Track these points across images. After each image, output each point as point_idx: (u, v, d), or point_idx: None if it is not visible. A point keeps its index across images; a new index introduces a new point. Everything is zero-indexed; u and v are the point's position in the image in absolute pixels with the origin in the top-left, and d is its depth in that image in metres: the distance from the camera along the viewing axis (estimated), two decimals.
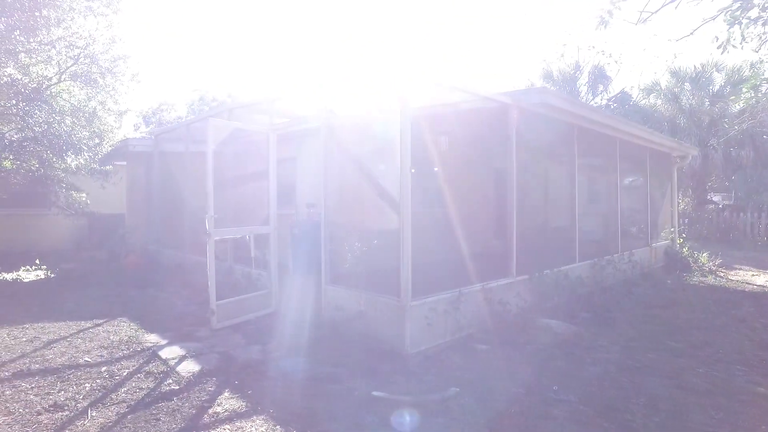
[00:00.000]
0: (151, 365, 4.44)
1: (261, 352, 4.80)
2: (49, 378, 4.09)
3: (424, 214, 7.49)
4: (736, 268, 10.73)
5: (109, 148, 9.40)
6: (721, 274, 9.90)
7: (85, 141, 8.97)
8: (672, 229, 11.46)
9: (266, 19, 53.70)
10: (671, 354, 4.97)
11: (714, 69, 18.53)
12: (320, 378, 4.18)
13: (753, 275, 9.92)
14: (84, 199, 11.13)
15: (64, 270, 9.53)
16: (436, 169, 6.93)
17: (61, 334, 5.33)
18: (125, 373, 4.24)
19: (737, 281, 9.19)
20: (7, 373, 4.16)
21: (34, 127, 8.66)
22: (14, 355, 4.60)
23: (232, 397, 3.77)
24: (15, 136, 8.69)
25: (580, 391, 4.02)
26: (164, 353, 4.73)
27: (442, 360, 4.74)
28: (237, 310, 5.92)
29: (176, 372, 4.27)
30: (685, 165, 12.14)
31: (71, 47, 8.39)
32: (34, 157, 9.27)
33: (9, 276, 8.93)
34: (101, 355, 4.68)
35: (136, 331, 5.55)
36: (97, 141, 9.22)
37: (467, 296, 5.30)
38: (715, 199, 21.96)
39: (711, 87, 18.77)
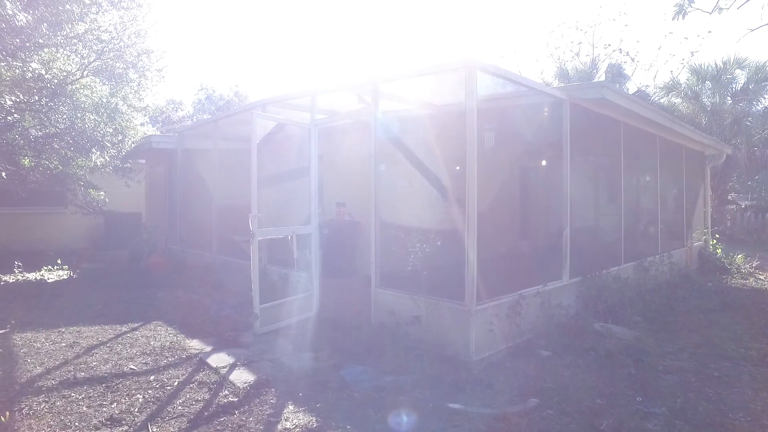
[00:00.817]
0: (201, 374, 4.18)
1: (315, 360, 4.52)
2: (98, 388, 3.83)
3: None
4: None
5: (132, 145, 9.14)
6: (762, 277, 9.60)
7: (108, 137, 8.71)
8: (705, 230, 11.17)
9: (275, 16, 53.50)
10: (747, 363, 4.69)
11: (737, 66, 18.18)
12: (386, 389, 3.91)
13: None
14: (102, 197, 10.88)
15: (86, 270, 9.28)
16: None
17: (100, 339, 5.07)
18: (176, 383, 3.97)
19: None
20: (54, 382, 3.90)
21: (58, 124, 8.40)
22: (57, 362, 4.34)
23: (298, 411, 3.51)
24: (39, 133, 8.44)
25: (667, 403, 3.74)
26: (212, 361, 4.47)
27: (507, 367, 4.46)
28: (279, 313, 5.66)
29: (230, 382, 4.00)
30: (719, 164, 11.82)
31: (97, 41, 8.13)
32: (56, 155, 9.02)
33: (32, 276, 8.69)
34: (146, 363, 4.42)
35: (175, 336, 5.29)
36: (120, 137, 8.96)
37: (525, 300, 5.03)
38: (727, 198, 21.59)
39: (733, 85, 18.43)
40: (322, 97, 6.14)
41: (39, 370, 4.15)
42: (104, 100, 9.04)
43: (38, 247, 11.77)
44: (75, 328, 5.47)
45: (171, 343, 5.00)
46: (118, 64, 8.66)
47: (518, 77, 5.02)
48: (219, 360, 4.49)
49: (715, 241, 11.44)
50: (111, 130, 8.69)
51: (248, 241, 8.65)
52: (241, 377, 4.09)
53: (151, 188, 10.80)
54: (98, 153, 8.50)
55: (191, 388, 3.87)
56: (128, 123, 9.37)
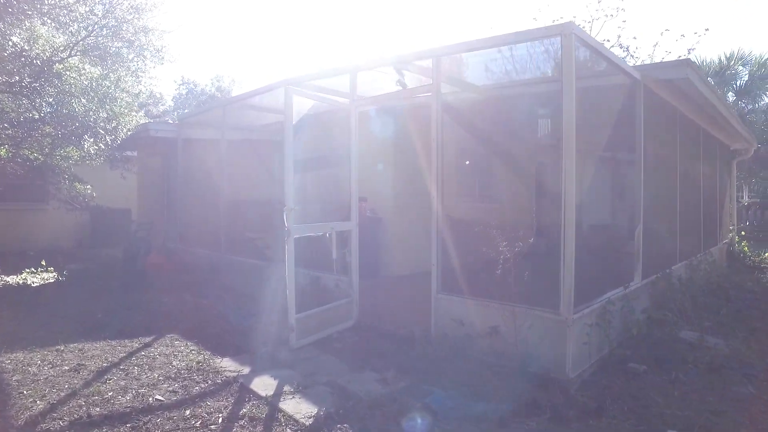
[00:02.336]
0: (248, 406, 3.37)
1: (381, 383, 3.75)
2: (121, 429, 2.99)
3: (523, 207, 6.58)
4: None
5: (128, 133, 8.16)
6: None
7: (101, 123, 7.72)
8: (732, 227, 10.78)
9: (258, 8, 51.96)
10: None
11: (739, 62, 18.03)
12: (485, 419, 3.18)
13: None
14: (89, 191, 9.82)
15: (74, 272, 8.27)
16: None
17: (109, 359, 4.19)
18: (220, 420, 3.16)
19: None
20: (62, 423, 3.04)
21: (43, 108, 7.39)
22: (63, 393, 3.46)
23: None
24: (20, 118, 7.40)
25: None
26: (257, 386, 3.65)
27: (605, 386, 3.78)
28: (317, 323, 4.87)
29: (288, 416, 3.21)
30: (748, 159, 11.44)
31: (90, 13, 7.14)
32: (38, 144, 7.99)
33: (13, 280, 7.66)
34: (174, 391, 3.58)
35: (199, 353, 4.45)
36: (114, 124, 7.97)
37: (611, 305, 4.37)
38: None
39: (736, 81, 18.28)
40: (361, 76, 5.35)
41: (40, 405, 3.26)
42: (94, 84, 8.03)
43: (17, 246, 10.65)
44: (75, 344, 4.57)
45: (198, 363, 4.16)
46: (114, 44, 7.68)
47: (607, 51, 4.33)
48: (264, 385, 3.68)
49: (738, 238, 11.07)
50: (105, 116, 7.70)
51: (263, 238, 7.87)
52: (300, 409, 3.30)
53: (145, 182, 9.80)
54: (92, 140, 7.50)
55: (242, 427, 3.06)
56: (121, 109, 8.37)
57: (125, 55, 8.00)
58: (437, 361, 4.13)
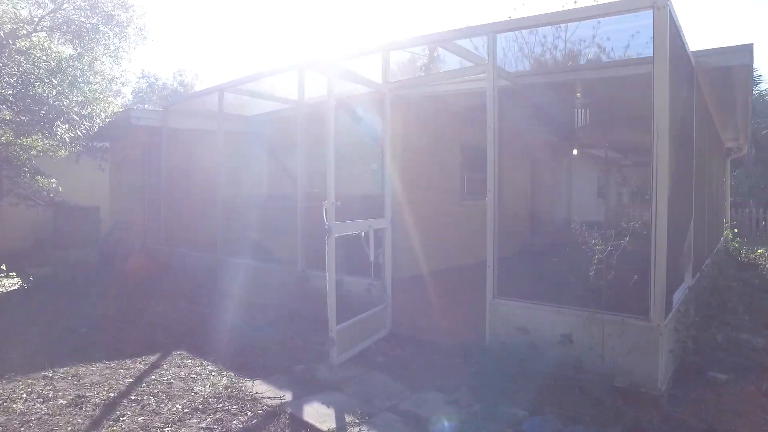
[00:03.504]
0: None
1: (453, 405, 3.21)
2: None
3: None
4: None
5: (106, 120, 7.21)
6: None
7: (75, 109, 6.77)
8: (726, 225, 10.87)
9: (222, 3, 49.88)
10: None
11: None
12: None
13: None
14: (54, 185, 8.74)
15: (42, 277, 7.26)
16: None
17: (115, 387, 3.44)
18: None
19: None
20: None
21: (5, 89, 6.39)
22: None
23: None
24: None
25: None
26: (311, 418, 3.03)
27: (697, 400, 3.40)
28: (355, 335, 4.27)
29: None
30: (742, 156, 11.58)
31: None
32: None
33: None
34: (209, 428, 2.90)
35: (221, 374, 3.76)
36: (89, 110, 7.01)
37: (683, 306, 4.02)
38: None
39: None
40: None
41: None
42: (64, 64, 7.04)
43: None
44: (67, 369, 3.77)
45: (225, 387, 3.48)
46: (90, 20, 6.75)
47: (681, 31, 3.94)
48: (319, 416, 3.06)
49: (732, 235, 11.19)
50: (79, 99, 6.76)
51: (267, 238, 7.14)
52: None
53: (121, 176, 8.81)
54: (66, 127, 6.54)
55: None
56: (95, 94, 7.41)
57: (104, 33, 7.06)
58: (505, 375, 3.61)
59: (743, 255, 10.38)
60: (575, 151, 11.07)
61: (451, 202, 8.85)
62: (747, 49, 4.56)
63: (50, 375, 3.63)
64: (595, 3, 3.53)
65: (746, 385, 3.65)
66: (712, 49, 4.61)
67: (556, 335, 3.70)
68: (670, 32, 3.30)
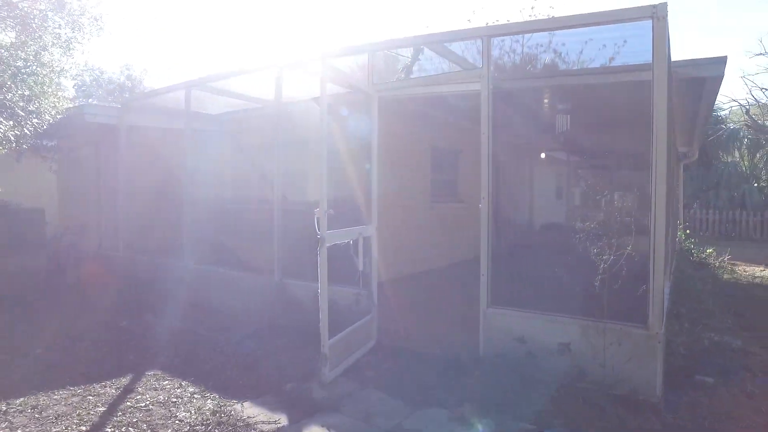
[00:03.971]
0: None
1: (458, 423, 3.11)
2: None
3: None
4: (734, 263, 10.89)
5: (56, 116, 6.58)
6: (740, 270, 9.91)
7: (21, 104, 6.13)
8: (680, 225, 11.47)
9: None
10: None
11: None
12: None
13: (762, 270, 10.09)
14: None
15: None
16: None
17: (85, 419, 3.08)
18: None
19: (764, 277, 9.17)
20: None
21: None
22: None
23: None
24: None
25: None
26: None
27: (690, 405, 3.46)
28: (345, 349, 4.07)
29: None
30: (691, 161, 12.20)
31: None
32: None
33: None
34: None
35: (203, 396, 3.47)
36: (36, 105, 6.37)
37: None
38: None
39: None
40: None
41: None
42: (3, 54, 6.37)
43: None
44: (24, 399, 3.35)
45: (212, 412, 3.20)
46: (38, 6, 6.15)
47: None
48: None
49: (684, 236, 11.82)
50: (26, 93, 6.15)
51: (243, 243, 6.79)
52: None
53: (71, 177, 8.14)
54: (11, 123, 5.90)
55: None
56: (42, 87, 6.77)
57: (54, 21, 6.45)
58: (505, 387, 3.55)
59: (695, 255, 10.97)
60: (543, 155, 11.30)
61: (422, 205, 8.83)
62: (722, 61, 4.73)
63: (4, 409, 3.20)
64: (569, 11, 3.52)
65: (731, 387, 3.76)
66: (688, 60, 4.75)
67: (554, 344, 3.68)
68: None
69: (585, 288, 3.70)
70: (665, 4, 3.19)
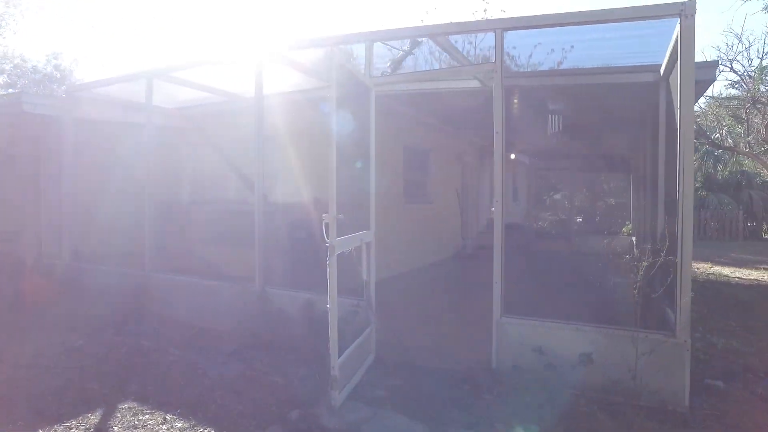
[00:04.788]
0: None
1: None
2: None
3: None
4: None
5: None
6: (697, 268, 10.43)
7: None
8: (628, 224, 11.95)
9: None
10: None
11: None
12: None
13: (710, 267, 10.67)
14: None
15: None
16: None
17: None
18: None
19: (716, 274, 9.66)
20: None
21: None
22: None
23: None
24: None
25: None
26: None
27: (714, 415, 3.39)
28: (350, 367, 3.70)
29: None
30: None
31: None
32: None
33: None
34: None
35: None
36: None
37: None
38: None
39: None
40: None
41: None
42: None
43: None
44: None
45: None
46: None
47: None
48: None
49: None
50: None
51: (215, 248, 6.19)
52: None
53: (4, 175, 7.13)
54: None
55: None
56: None
57: None
58: (529, 403, 3.34)
59: None
60: (513, 155, 11.37)
61: (397, 206, 8.60)
62: (713, 65, 4.82)
63: None
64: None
65: (743, 390, 3.76)
66: None
67: (575, 355, 3.51)
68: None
69: (590, 294, 3.59)
70: (694, 2, 3.09)
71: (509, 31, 3.69)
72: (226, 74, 5.83)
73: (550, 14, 3.51)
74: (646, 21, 3.43)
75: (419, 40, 4.48)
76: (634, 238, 11.67)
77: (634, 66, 4.94)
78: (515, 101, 7.49)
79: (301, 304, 4.65)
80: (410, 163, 9.48)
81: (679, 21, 3.15)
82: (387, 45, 4.99)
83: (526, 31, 3.81)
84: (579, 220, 12.74)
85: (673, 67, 4.31)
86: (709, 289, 7.63)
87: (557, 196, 19.44)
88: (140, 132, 5.77)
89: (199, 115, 7.01)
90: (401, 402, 3.46)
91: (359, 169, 4.05)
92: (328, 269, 3.30)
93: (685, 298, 3.22)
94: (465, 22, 3.82)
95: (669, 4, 3.16)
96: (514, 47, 5.11)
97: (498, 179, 3.73)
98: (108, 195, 6.18)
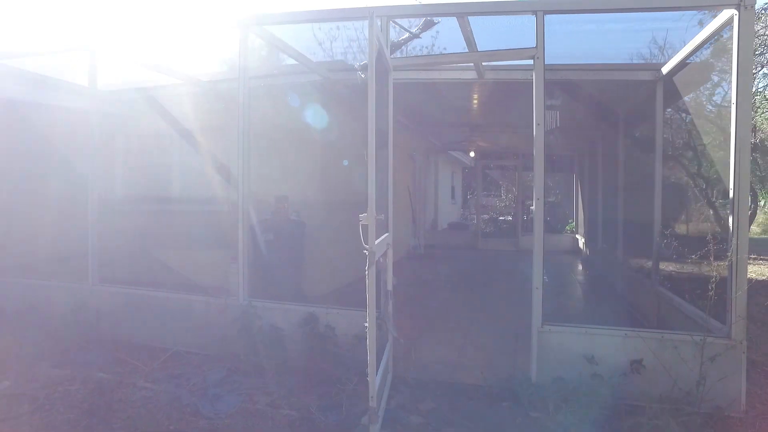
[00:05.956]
0: None
1: None
2: None
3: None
4: None
5: None
6: None
7: None
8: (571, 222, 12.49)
9: None
10: None
11: None
12: None
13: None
14: None
15: None
16: None
17: None
18: None
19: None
20: None
21: None
22: None
23: None
24: None
25: None
26: None
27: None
28: (381, 392, 3.16)
29: None
30: None
31: None
32: None
33: None
34: None
35: None
36: None
37: None
38: None
39: None
40: None
41: None
42: None
43: None
44: None
45: None
46: None
47: None
48: None
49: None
50: None
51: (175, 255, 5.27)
52: None
53: None
54: None
55: None
56: None
57: None
58: (585, 418, 3.03)
59: None
60: (472, 153, 11.34)
61: (355, 205, 8.12)
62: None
63: None
64: None
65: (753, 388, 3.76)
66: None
67: (624, 362, 3.28)
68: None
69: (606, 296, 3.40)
70: None
71: (550, 14, 3.38)
72: (190, 53, 4.98)
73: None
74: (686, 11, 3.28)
75: (435, 21, 4.04)
76: (578, 236, 12.24)
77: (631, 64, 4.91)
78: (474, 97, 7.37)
79: (299, 319, 4.00)
80: (362, 159, 9.05)
81: (738, 12, 3.00)
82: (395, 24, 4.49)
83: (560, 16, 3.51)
84: (524, 218, 13.05)
85: (683, 65, 4.32)
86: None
87: (503, 195, 20.03)
88: (63, 115, 4.71)
89: (143, 99, 5.98)
90: (443, 428, 3.00)
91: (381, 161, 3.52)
92: (366, 279, 2.75)
93: (740, 299, 3.11)
94: (504, 2, 3.45)
95: None
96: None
97: (539, 175, 3.40)
98: (33, 193, 5.00)
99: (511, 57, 3.84)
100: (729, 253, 3.12)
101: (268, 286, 4.64)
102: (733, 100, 3.07)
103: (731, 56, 3.08)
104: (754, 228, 15.69)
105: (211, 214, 6.18)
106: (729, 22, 3.16)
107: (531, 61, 3.43)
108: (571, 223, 13.12)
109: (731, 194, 3.13)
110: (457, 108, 7.85)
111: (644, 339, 3.26)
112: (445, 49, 4.37)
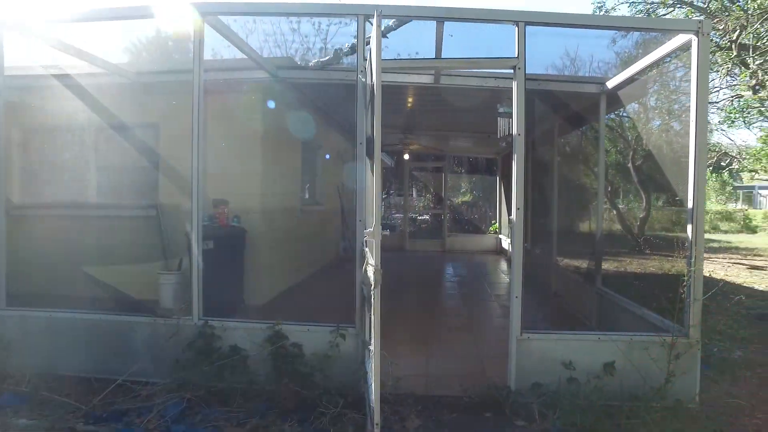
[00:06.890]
0: None
1: None
2: None
3: None
4: None
5: None
6: None
7: None
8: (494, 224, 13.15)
9: None
10: None
11: None
12: None
13: None
14: None
15: None
16: None
17: None
18: None
19: None
20: None
21: None
22: None
23: None
24: None
25: None
26: None
27: (724, 407, 3.64)
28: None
29: None
30: None
31: None
32: None
33: None
34: None
35: None
36: None
37: None
38: None
39: None
40: None
41: None
42: None
43: None
44: None
45: None
46: None
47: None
48: None
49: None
50: None
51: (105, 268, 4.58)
52: None
53: None
54: None
55: None
56: None
57: None
58: (572, 422, 3.12)
59: None
60: (406, 156, 11.39)
61: (295, 208, 7.88)
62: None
63: None
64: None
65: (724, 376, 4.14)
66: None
67: (597, 365, 3.44)
68: None
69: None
70: (710, 21, 3.26)
71: (531, 26, 3.43)
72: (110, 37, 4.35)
73: (571, 14, 3.38)
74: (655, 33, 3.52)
75: (406, 22, 3.92)
76: (501, 237, 12.89)
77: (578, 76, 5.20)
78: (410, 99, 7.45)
79: (263, 338, 3.65)
80: (305, 160, 8.75)
81: (696, 38, 3.27)
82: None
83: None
84: (450, 219, 13.50)
85: (629, 81, 4.66)
86: None
87: (430, 196, 20.45)
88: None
89: (58, 87, 5.14)
90: None
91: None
92: (372, 301, 2.56)
93: (697, 301, 3.39)
94: (485, 9, 3.42)
95: (688, 20, 3.28)
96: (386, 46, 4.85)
97: (520, 185, 3.44)
98: None
99: (492, 66, 3.85)
100: (691, 267, 3.38)
101: (207, 299, 4.18)
102: (692, 117, 3.33)
103: (675, 76, 3.38)
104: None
105: (136, 219, 5.52)
106: (685, 47, 3.43)
107: (493, 70, 3.47)
108: (495, 224, 13.76)
109: (690, 210, 3.39)
110: (394, 111, 7.89)
111: (614, 342, 3.44)
112: (417, 53, 4.25)
